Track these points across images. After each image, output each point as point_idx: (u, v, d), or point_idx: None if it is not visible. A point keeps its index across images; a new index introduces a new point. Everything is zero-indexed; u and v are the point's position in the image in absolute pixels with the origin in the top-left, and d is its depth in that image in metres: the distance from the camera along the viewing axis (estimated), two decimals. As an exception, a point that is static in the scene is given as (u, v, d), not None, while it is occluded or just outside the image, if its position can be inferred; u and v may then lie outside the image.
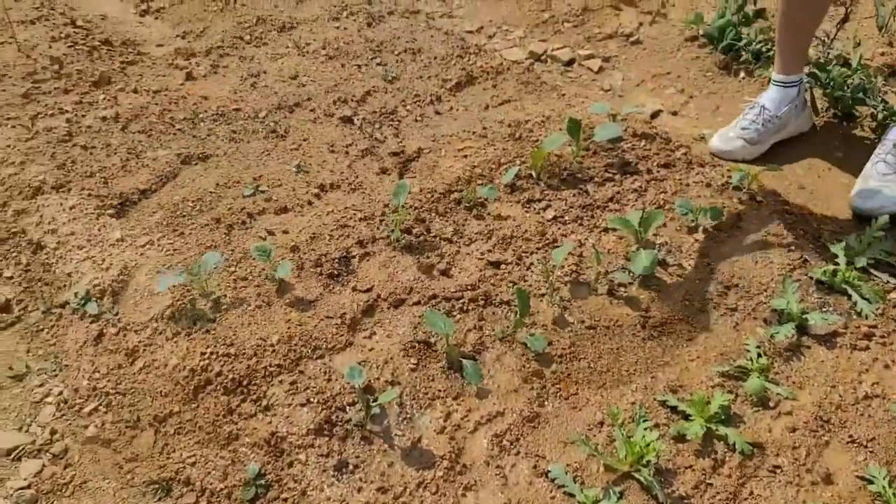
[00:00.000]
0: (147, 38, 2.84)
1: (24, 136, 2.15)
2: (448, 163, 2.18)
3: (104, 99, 2.33)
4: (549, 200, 2.02)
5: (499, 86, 2.54)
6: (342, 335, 1.62)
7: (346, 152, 2.19)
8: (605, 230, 1.94)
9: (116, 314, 1.67)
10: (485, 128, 2.33)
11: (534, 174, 2.12)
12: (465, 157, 2.20)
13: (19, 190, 1.99)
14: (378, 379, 1.53)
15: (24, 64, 2.45)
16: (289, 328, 1.61)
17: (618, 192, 2.05)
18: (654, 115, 2.48)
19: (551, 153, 2.12)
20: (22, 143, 2.12)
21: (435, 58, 2.63)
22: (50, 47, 2.54)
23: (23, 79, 2.39)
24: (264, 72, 2.53)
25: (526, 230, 1.92)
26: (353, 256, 1.83)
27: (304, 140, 2.24)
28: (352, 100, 2.41)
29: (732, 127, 2.29)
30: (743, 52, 2.68)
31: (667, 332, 1.68)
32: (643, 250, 1.80)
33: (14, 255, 1.87)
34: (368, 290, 1.73)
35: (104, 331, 1.65)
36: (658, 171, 2.14)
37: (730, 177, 2.10)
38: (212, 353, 1.54)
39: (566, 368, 1.58)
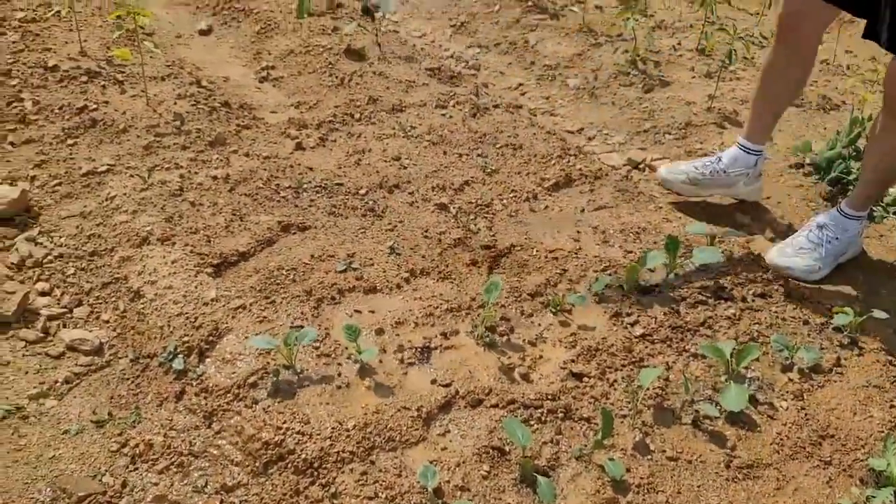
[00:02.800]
0: (263, 103, 2.98)
1: (140, 186, 2.26)
2: (538, 263, 2.17)
3: (217, 159, 2.44)
4: (639, 316, 1.98)
5: (596, 190, 2.54)
6: (416, 429, 1.59)
7: (440, 239, 2.22)
8: (695, 355, 1.88)
9: (201, 374, 1.70)
10: (578, 232, 2.33)
11: (625, 287, 2.09)
12: (556, 259, 2.19)
13: (128, 237, 2.09)
14: (448, 482, 1.49)
15: (150, 117, 2.60)
16: (365, 414, 1.60)
17: (710, 317, 2.00)
18: (751, 238, 2.43)
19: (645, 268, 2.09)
20: (137, 192, 2.24)
21: (535, 155, 2.67)
22: (175, 104, 2.70)
23: (147, 131, 2.54)
24: (369, 150, 2.61)
25: (612, 344, 1.88)
26: (436, 347, 1.82)
27: (400, 222, 2.28)
28: (450, 187, 2.45)
29: (685, 163, 2.53)
30: (851, 187, 2.62)
31: (753, 476, 1.59)
32: (734, 384, 1.73)
33: (113, 300, 1.94)
34: (447, 385, 1.71)
35: (186, 389, 1.68)
36: (754, 301, 2.07)
37: (831, 317, 2.02)
38: (287, 429, 1.54)
39: (643, 500, 1.51)
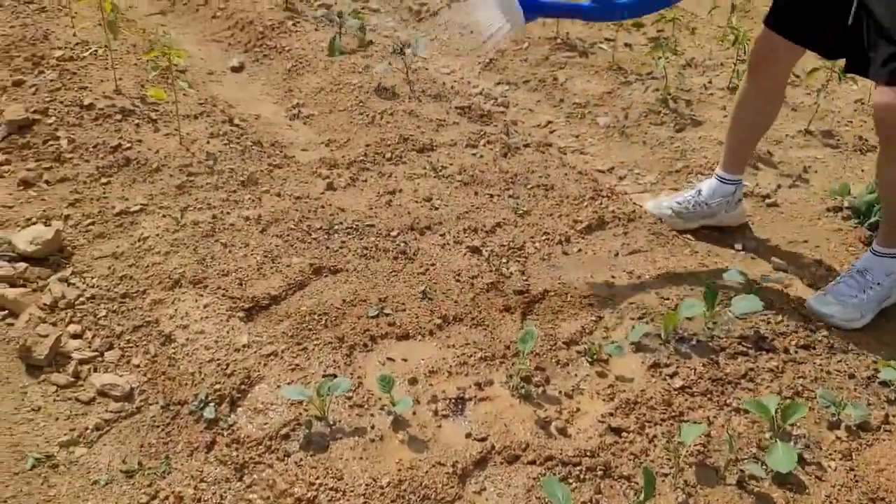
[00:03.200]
0: (294, 141, 2.99)
1: (173, 227, 2.26)
2: (573, 309, 2.13)
3: (249, 199, 2.44)
4: (677, 367, 1.93)
5: (630, 233, 2.50)
6: (452, 486, 1.55)
7: (472, 284, 2.19)
8: (737, 410, 1.82)
9: (232, 424, 1.68)
10: (613, 277, 2.29)
11: (662, 335, 2.04)
12: (591, 306, 2.15)
13: (160, 280, 2.08)
14: (486, 544, 1.44)
15: (183, 156, 2.61)
16: (399, 470, 1.56)
17: (751, 370, 1.94)
18: (789, 284, 2.37)
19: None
20: (169, 233, 2.23)
21: (567, 196, 2.64)
22: (208, 142, 2.71)
23: (180, 170, 2.54)
24: (400, 190, 2.60)
25: (651, 397, 1.83)
26: (471, 399, 1.78)
27: (432, 265, 2.25)
28: (482, 229, 2.43)
29: (669, 198, 2.64)
30: (892, 232, 2.55)
31: (803, 542, 1.53)
32: (780, 443, 1.67)
33: (144, 343, 1.93)
34: (483, 440, 1.67)
35: (217, 439, 1.65)
36: (796, 353, 2.01)
37: (876, 370, 1.96)
38: (321, 485, 1.51)
39: (688, 567, 1.45)
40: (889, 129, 2.01)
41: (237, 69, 3.54)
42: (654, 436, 1.73)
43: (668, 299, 2.19)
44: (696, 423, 1.72)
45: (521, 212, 2.55)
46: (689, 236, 2.59)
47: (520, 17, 2.10)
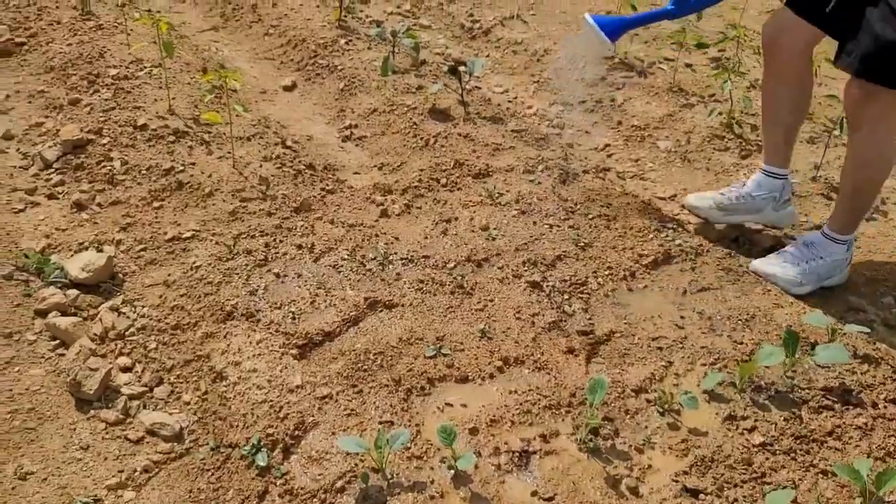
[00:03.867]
0: (346, 164, 2.92)
1: (226, 255, 2.21)
2: (641, 353, 2.01)
3: (302, 226, 2.37)
4: (756, 421, 1.80)
5: (698, 269, 2.37)
6: (518, 552, 1.45)
7: (533, 322, 2.08)
8: (824, 472, 1.68)
9: (285, 473, 1.60)
10: (682, 317, 2.16)
11: (737, 384, 1.91)
12: (660, 349, 2.03)
13: (212, 311, 2.02)
14: None
15: (236, 181, 2.56)
16: (462, 532, 1.46)
17: (838, 426, 1.80)
18: (873, 329, 2.22)
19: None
20: (222, 262, 2.17)
21: (630, 228, 2.51)
22: (261, 166, 2.66)
23: (232, 195, 2.49)
24: (456, 218, 2.51)
25: (729, 454, 1.70)
26: (535, 452, 1.68)
27: (490, 301, 2.16)
28: (541, 262, 2.32)
29: (712, 192, 2.59)
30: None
31: None
32: (877, 515, 1.53)
33: (195, 379, 1.87)
34: (550, 500, 1.56)
35: (270, 488, 1.58)
36: (885, 408, 1.87)
37: (977, 431, 1.80)
38: (378, 547, 1.42)
39: None
40: (857, 120, 2.13)
41: (289, 88, 3.50)
42: (735, 499, 1.60)
43: (742, 343, 2.06)
44: (782, 487, 1.59)
45: (582, 244, 2.44)
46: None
47: (608, 45, 2.28)
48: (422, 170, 2.80)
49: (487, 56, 4.16)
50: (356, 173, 2.87)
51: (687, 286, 2.29)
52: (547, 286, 2.23)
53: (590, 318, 2.13)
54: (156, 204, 2.45)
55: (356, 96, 3.35)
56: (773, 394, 1.90)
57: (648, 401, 1.86)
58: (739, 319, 2.15)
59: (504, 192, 2.68)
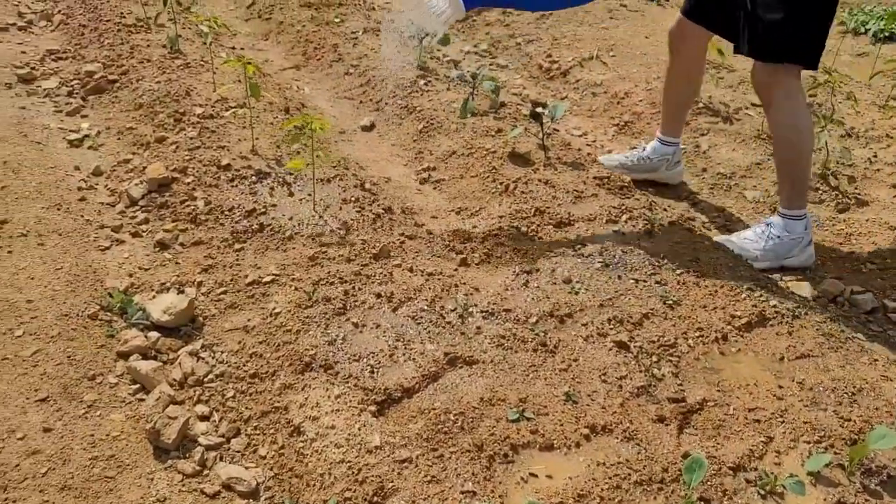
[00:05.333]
0: (424, 207, 2.89)
1: (305, 302, 2.18)
2: (737, 426, 1.89)
3: (381, 274, 2.33)
4: (869, 510, 1.65)
5: (795, 333, 2.23)
6: None
7: (620, 386, 1.98)
8: (951, 576, 1.52)
9: (363, 542, 1.53)
10: (780, 387, 2.02)
11: (846, 466, 1.76)
12: (758, 422, 1.90)
13: (290, 361, 1.99)
14: None
15: (316, 224, 2.55)
16: None
17: (963, 521, 1.63)
18: None
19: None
20: (301, 309, 2.15)
21: (721, 287, 2.39)
22: (340, 209, 2.64)
23: (312, 239, 2.48)
24: (537, 270, 2.43)
25: (840, 548, 1.56)
26: (627, 534, 1.57)
27: (574, 360, 2.06)
28: (628, 321, 2.22)
29: (619, 153, 3.21)
30: None
31: None
32: None
33: (271, 432, 1.83)
34: (645, 590, 1.45)
35: (347, 557, 1.51)
36: None
37: None
38: None
39: None
40: (766, 99, 2.54)
41: (368, 128, 3.51)
42: None
43: (849, 420, 1.91)
44: (904, 593, 1.44)
45: (670, 301, 2.32)
46: (860, 337, 2.29)
47: (461, 8, 2.47)
48: (501, 216, 2.74)
49: (565, 98, 4.10)
50: (434, 217, 2.83)
51: (784, 352, 2.15)
52: (634, 347, 2.12)
53: (680, 384, 2.01)
54: (237, 246, 2.45)
55: (435, 138, 3.33)
56: (885, 478, 1.74)
57: (748, 481, 1.73)
58: (845, 392, 2.00)
59: (587, 242, 2.59)
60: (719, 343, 2.18)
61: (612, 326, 2.19)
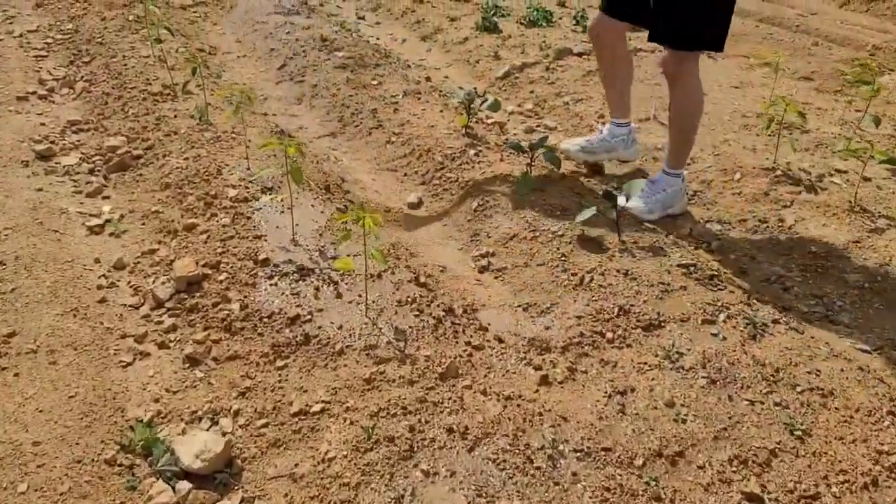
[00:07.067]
0: (486, 302, 2.54)
1: (362, 441, 1.82)
2: None
3: (450, 399, 1.97)
4: None
5: (957, 473, 1.82)
6: None
7: (760, 557, 1.58)
8: None
9: None
10: (960, 556, 1.61)
11: None
12: None
13: (350, 526, 1.62)
14: None
15: (370, 334, 2.20)
16: None
17: None
18: None
19: None
20: (359, 453, 1.79)
21: (856, 410, 2.00)
22: (395, 313, 2.29)
23: (367, 355, 2.12)
24: (632, 389, 2.06)
25: None
26: None
27: (698, 519, 1.67)
28: (752, 460, 1.83)
29: (580, 137, 3.43)
30: None
31: None
32: None
33: None
34: None
35: None
36: None
37: None
38: None
39: None
40: (674, 79, 2.84)
41: (415, 205, 3.18)
42: None
43: None
44: None
45: (797, 431, 1.93)
46: None
47: None
48: (579, 317, 2.37)
49: (623, 163, 3.75)
50: (498, 313, 2.47)
51: (953, 503, 1.75)
52: (769, 499, 1.73)
53: (835, 554, 1.61)
54: (279, 362, 2.10)
55: (491, 217, 2.99)
56: None
57: None
58: None
59: (684, 351, 2.22)
60: (869, 490, 1.78)
61: (735, 469, 1.81)
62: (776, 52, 4.86)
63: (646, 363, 2.16)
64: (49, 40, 4.59)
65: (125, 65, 4.08)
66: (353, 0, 6.26)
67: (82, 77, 4.07)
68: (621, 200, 2.82)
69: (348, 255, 2.30)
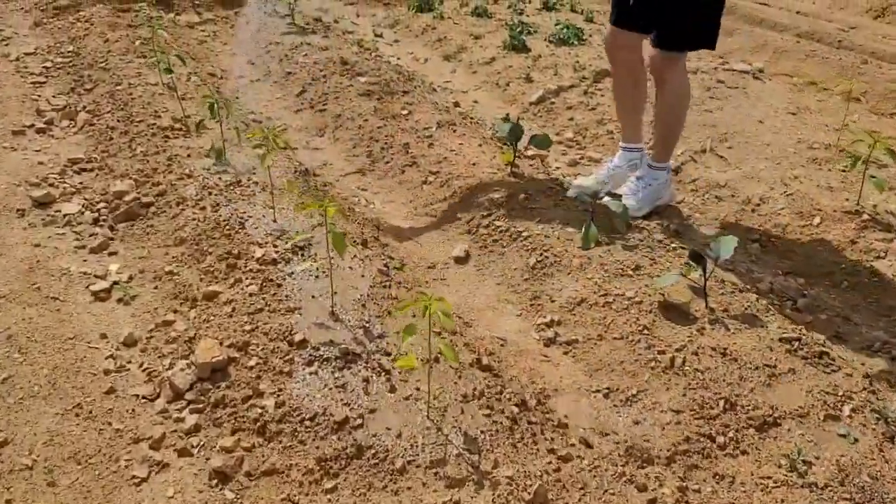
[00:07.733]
0: (557, 385, 2.17)
1: None
2: None
3: (543, 537, 1.59)
4: None
5: None
6: None
7: None
8: None
9: None
10: None
11: None
12: None
13: None
14: None
15: (436, 444, 1.82)
16: None
17: None
18: None
19: None
20: None
21: None
22: (462, 412, 1.92)
23: (434, 473, 1.74)
24: (758, 514, 1.68)
25: None
26: None
27: None
28: None
29: (589, 176, 3.22)
30: None
31: None
32: None
33: None
34: None
35: None
36: None
37: None
38: None
39: None
40: (662, 77, 2.91)
41: (462, 260, 2.81)
42: None
43: None
44: None
45: (975, 576, 1.56)
46: None
47: None
48: (677, 411, 2.00)
49: (682, 202, 3.39)
50: (576, 400, 2.10)
51: None
52: None
53: None
54: (327, 482, 1.73)
55: (552, 276, 2.62)
56: None
57: None
58: None
59: (811, 458, 1.84)
60: None
61: None
62: (841, 81, 4.51)
63: (769, 478, 1.79)
64: (48, 64, 4.22)
65: (131, 94, 3.71)
66: (369, 16, 5.90)
67: (84, 107, 3.70)
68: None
69: (406, 339, 1.91)
